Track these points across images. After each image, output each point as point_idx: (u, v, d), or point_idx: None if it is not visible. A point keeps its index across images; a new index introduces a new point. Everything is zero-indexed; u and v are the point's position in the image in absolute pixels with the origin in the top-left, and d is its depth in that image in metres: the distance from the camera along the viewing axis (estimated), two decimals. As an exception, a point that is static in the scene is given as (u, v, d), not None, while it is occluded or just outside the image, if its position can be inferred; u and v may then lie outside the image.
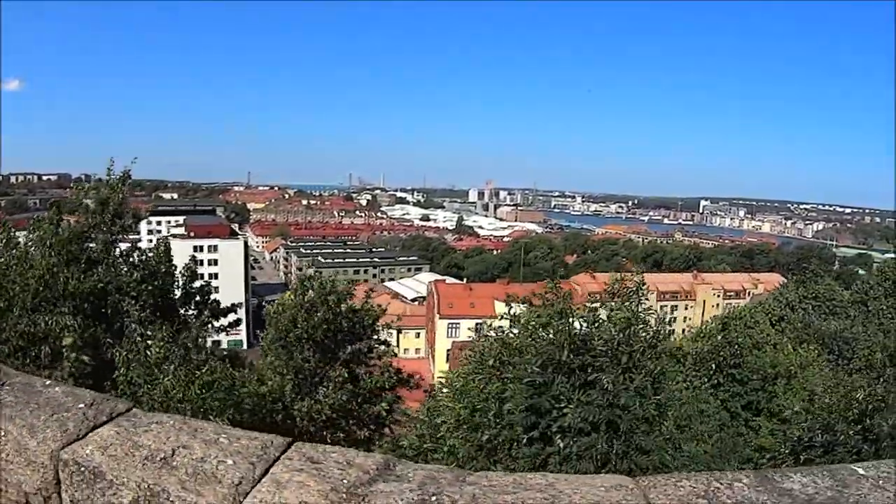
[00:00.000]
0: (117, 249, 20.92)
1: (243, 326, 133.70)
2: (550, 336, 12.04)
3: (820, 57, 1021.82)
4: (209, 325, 24.24)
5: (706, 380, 31.59)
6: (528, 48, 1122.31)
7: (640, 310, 12.91)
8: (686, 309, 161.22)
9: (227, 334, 28.85)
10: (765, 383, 31.98)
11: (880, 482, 3.77)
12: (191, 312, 23.75)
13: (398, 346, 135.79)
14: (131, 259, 21.49)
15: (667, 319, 12.99)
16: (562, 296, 13.14)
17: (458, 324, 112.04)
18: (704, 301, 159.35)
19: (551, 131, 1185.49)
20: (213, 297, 26.03)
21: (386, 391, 23.28)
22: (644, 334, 12.07)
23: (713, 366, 31.78)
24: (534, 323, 13.00)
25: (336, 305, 23.67)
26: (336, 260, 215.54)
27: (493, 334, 14.27)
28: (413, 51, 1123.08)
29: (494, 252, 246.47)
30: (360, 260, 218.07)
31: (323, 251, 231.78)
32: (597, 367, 11.26)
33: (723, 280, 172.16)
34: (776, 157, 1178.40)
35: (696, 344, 34.87)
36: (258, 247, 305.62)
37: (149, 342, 17.59)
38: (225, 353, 26.90)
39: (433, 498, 3.35)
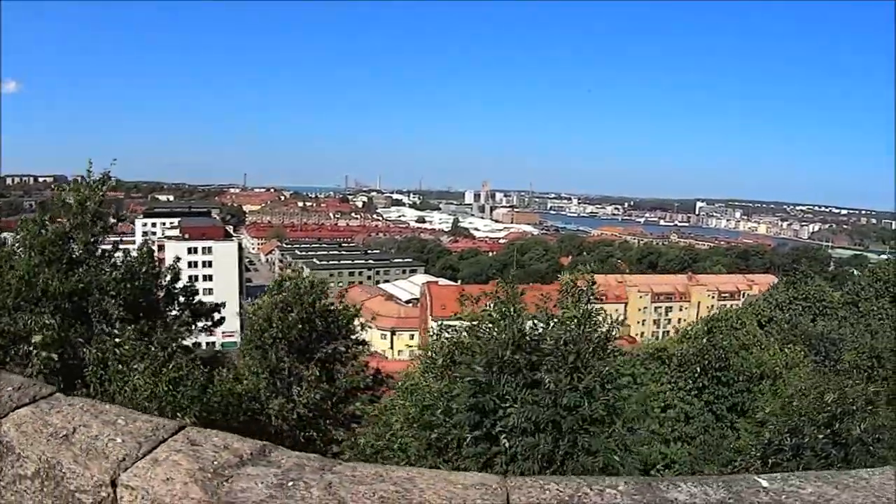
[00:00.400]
0: (99, 250, 21.15)
1: (238, 328, 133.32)
2: (496, 335, 11.89)
3: (817, 57, 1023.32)
4: (191, 324, 24.38)
5: (691, 382, 31.45)
6: (525, 49, 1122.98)
7: (590, 310, 12.59)
8: (681, 310, 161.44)
9: (223, 335, 29.20)
10: (750, 385, 31.86)
11: (782, 497, 3.56)
12: (174, 312, 23.94)
13: (392, 347, 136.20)
14: (113, 259, 21.65)
15: (617, 320, 12.84)
16: (510, 295, 12.99)
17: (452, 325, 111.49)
18: (699, 302, 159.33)
19: (548, 133, 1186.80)
20: (198, 297, 26.33)
21: (362, 391, 23.22)
22: (594, 335, 11.81)
23: (698, 369, 31.66)
24: (478, 322, 12.93)
25: (310, 306, 23.70)
26: (331, 262, 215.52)
27: (447, 334, 14.14)
28: (410, 52, 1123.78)
29: (490, 254, 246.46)
30: (355, 262, 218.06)
31: (318, 253, 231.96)
32: (542, 367, 11.14)
33: (717, 281, 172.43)
34: (772, 158, 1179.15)
35: (681, 346, 34.78)
36: (254, 248, 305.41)
37: (117, 340, 17.96)
38: (215, 353, 27.17)
39: (291, 483, 3.50)
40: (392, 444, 13.87)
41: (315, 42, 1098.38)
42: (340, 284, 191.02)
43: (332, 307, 24.67)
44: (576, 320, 11.84)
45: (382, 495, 3.40)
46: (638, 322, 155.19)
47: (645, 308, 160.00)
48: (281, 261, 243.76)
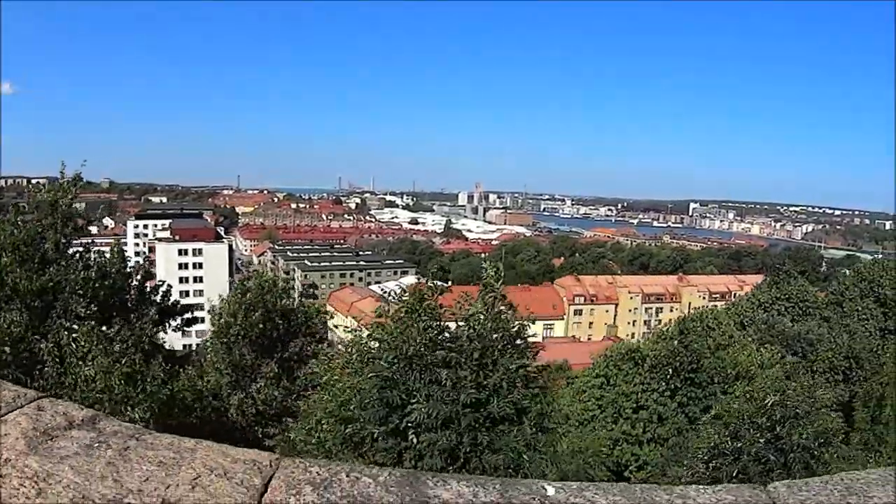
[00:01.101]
0: (70, 249, 21.22)
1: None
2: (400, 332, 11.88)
3: (812, 58, 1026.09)
4: (161, 323, 24.63)
5: (664, 383, 31.17)
6: (519, 50, 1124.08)
7: (498, 306, 12.74)
8: (671, 311, 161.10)
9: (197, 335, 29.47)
10: (725, 386, 31.58)
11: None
12: (148, 311, 23.82)
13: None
14: (84, 259, 21.69)
15: (528, 318, 12.80)
16: (418, 294, 12.88)
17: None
18: (690, 303, 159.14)
19: (542, 134, 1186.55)
20: (172, 296, 26.57)
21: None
22: (503, 332, 11.91)
23: (670, 370, 31.38)
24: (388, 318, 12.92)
25: (273, 304, 23.77)
26: (322, 263, 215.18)
27: (365, 330, 14.04)
28: (405, 54, 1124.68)
29: (482, 255, 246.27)
30: (347, 263, 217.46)
31: (310, 254, 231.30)
32: (447, 364, 11.10)
33: (708, 282, 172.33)
34: (766, 159, 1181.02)
35: (655, 347, 34.50)
36: (247, 250, 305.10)
37: (74, 335, 17.96)
38: (191, 352, 27.53)
39: (97, 444, 3.88)
40: (311, 438, 13.83)
41: (310, 44, 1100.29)
42: (332, 286, 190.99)
43: (292, 307, 24.79)
44: (482, 317, 11.94)
45: (161, 460, 3.74)
46: (628, 323, 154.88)
47: (635, 309, 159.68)
48: (273, 262, 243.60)
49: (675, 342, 32.77)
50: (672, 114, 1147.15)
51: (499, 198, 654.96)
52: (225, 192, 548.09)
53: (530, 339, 13.19)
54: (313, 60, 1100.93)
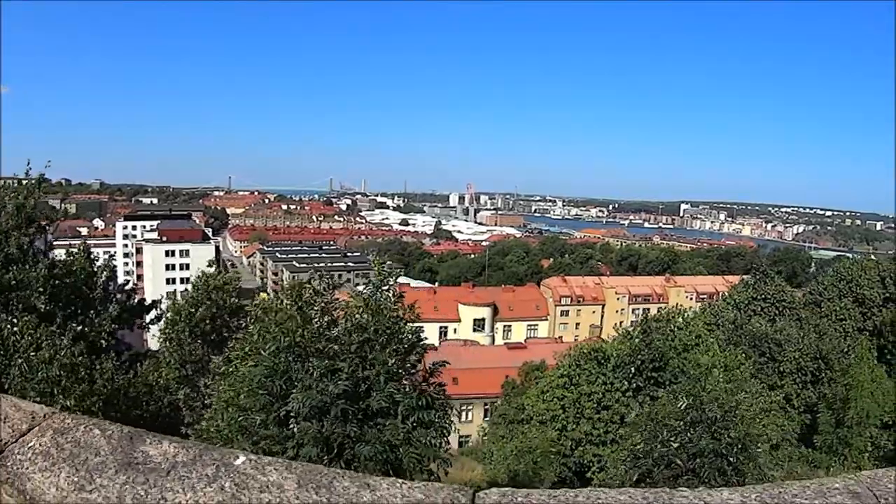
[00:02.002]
0: (33, 249, 22.95)
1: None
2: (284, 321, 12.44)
3: (805, 59, 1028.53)
4: (122, 319, 26.14)
5: (626, 383, 30.86)
6: (510, 52, 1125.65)
7: (379, 298, 12.90)
8: (658, 312, 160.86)
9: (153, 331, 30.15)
10: (692, 386, 31.27)
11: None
12: (108, 308, 25.57)
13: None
14: (50, 259, 23.60)
15: (412, 308, 13.09)
16: (296, 289, 13.06)
17: (422, 327, 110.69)
18: (677, 304, 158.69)
19: (533, 136, 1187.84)
20: (137, 295, 28.87)
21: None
22: (384, 325, 11.87)
23: (632, 369, 31.07)
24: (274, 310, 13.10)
25: (223, 302, 23.87)
26: (310, 265, 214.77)
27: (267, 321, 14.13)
28: (396, 56, 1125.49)
29: (470, 256, 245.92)
30: (334, 264, 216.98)
31: (298, 255, 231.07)
32: (326, 354, 11.29)
33: (696, 283, 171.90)
34: (758, 160, 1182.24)
35: (619, 346, 34.21)
36: (236, 251, 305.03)
37: (14, 329, 18.70)
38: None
39: None
40: (210, 427, 14.34)
41: (303, 46, 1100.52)
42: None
43: (238, 305, 24.99)
44: (364, 307, 12.05)
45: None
46: (615, 323, 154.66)
47: (622, 310, 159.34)
48: (262, 263, 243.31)
49: (637, 340, 32.49)
50: (663, 115, 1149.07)
51: (490, 199, 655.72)
52: (216, 193, 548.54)
53: (423, 339, 13.23)
54: (306, 62, 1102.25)
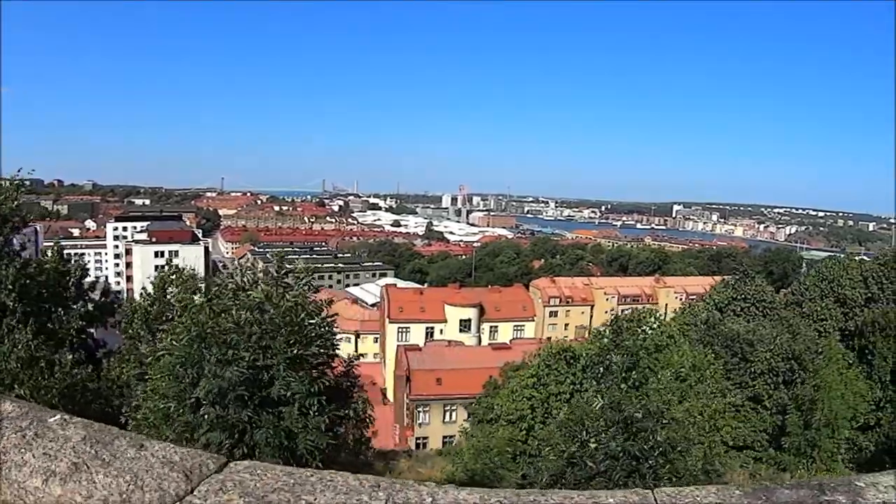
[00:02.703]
0: (6, 249, 23.34)
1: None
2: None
3: (798, 60, 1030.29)
4: (93, 317, 27.61)
5: (595, 383, 30.59)
6: (503, 53, 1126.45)
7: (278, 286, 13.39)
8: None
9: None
10: (660, 386, 31.04)
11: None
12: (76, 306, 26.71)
13: (356, 350, 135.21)
14: (23, 258, 24.12)
15: (327, 301, 13.64)
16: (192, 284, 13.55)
17: (409, 328, 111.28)
18: (666, 304, 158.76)
19: (526, 137, 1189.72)
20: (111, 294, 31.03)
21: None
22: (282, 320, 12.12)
23: (601, 369, 30.78)
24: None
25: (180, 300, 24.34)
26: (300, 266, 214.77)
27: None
28: (389, 58, 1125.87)
29: (462, 257, 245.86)
30: (325, 265, 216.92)
31: (289, 256, 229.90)
32: (229, 344, 11.58)
33: (685, 283, 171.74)
34: (750, 161, 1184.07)
35: (589, 346, 34.02)
36: (228, 252, 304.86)
37: None
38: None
39: None
40: (136, 413, 14.54)
41: (296, 47, 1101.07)
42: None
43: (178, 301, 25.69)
44: (263, 298, 12.33)
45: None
46: (604, 324, 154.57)
47: (611, 310, 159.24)
48: (252, 265, 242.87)
49: (606, 340, 32.27)
50: (657, 116, 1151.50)
51: (483, 200, 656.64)
52: (208, 194, 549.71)
53: (330, 330, 13.45)
54: (301, 64, 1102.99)
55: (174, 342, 12.20)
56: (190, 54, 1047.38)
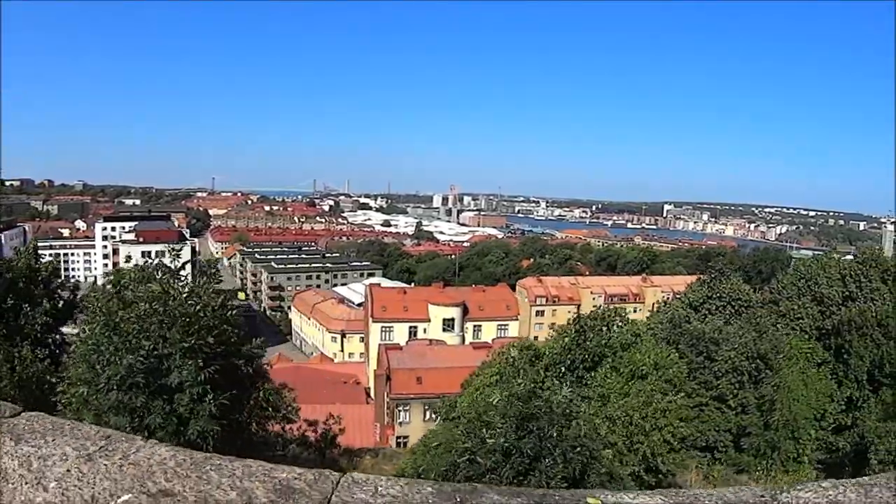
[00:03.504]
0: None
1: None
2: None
3: (789, 59, 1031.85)
4: (58, 315, 28.12)
5: (556, 381, 30.40)
6: (495, 53, 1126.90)
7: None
8: (635, 311, 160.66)
9: None
10: (624, 384, 30.87)
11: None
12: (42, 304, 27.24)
13: (342, 350, 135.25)
14: None
15: (234, 291, 14.60)
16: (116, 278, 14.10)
17: (392, 327, 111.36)
18: (653, 303, 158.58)
19: (518, 137, 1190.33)
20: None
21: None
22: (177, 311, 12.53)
23: (563, 368, 30.64)
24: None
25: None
26: (289, 265, 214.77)
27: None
28: (379, 57, 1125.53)
29: (451, 257, 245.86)
30: (313, 265, 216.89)
31: (277, 256, 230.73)
32: (128, 332, 12.15)
33: (672, 282, 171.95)
34: (742, 161, 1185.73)
35: (554, 345, 33.84)
36: (218, 252, 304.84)
37: None
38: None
39: None
40: (62, 399, 14.71)
41: (288, 47, 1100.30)
42: (298, 287, 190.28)
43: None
44: (161, 291, 12.86)
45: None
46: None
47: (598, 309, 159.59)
48: (241, 264, 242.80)
49: (567, 339, 32.11)
50: (648, 116, 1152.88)
51: (473, 200, 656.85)
52: (199, 194, 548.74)
53: (231, 323, 13.85)
54: (293, 64, 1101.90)
55: (87, 330, 12.82)
56: (181, 54, 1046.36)
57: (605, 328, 33.70)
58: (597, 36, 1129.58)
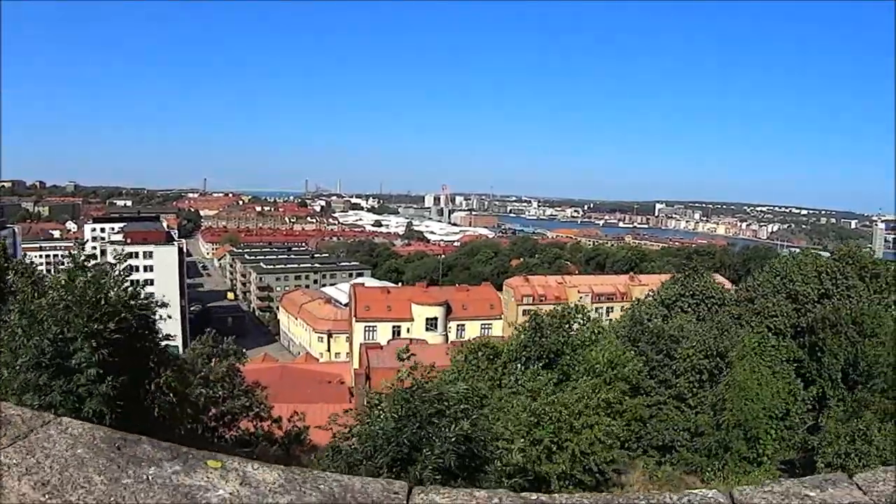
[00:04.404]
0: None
1: (179, 331, 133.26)
2: None
3: (782, 59, 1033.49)
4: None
5: (512, 379, 30.38)
6: (487, 53, 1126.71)
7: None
8: (622, 310, 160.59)
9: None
10: (576, 383, 30.82)
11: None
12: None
13: (329, 350, 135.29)
14: None
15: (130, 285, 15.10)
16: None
17: (375, 327, 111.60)
18: (637, 299, 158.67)
19: (510, 137, 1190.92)
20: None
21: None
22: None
23: (518, 365, 30.60)
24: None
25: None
26: (277, 266, 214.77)
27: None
28: (372, 57, 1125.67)
29: (441, 256, 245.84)
30: (302, 265, 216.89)
31: (267, 257, 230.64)
32: (34, 316, 12.71)
33: (659, 281, 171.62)
34: (735, 160, 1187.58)
35: (511, 342, 33.85)
36: (208, 253, 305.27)
37: None
38: None
39: None
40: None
41: (280, 47, 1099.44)
42: (287, 287, 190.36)
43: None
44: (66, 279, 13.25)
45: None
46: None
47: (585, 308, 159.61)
48: (231, 265, 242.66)
49: (523, 336, 32.13)
50: (640, 116, 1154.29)
51: (465, 200, 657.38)
52: (191, 195, 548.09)
53: (131, 310, 13.92)
54: (284, 64, 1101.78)
55: (11, 315, 13.17)
56: (174, 55, 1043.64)
57: (564, 326, 33.73)
58: (589, 35, 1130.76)
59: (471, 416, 12.99)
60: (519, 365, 30.25)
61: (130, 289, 13.83)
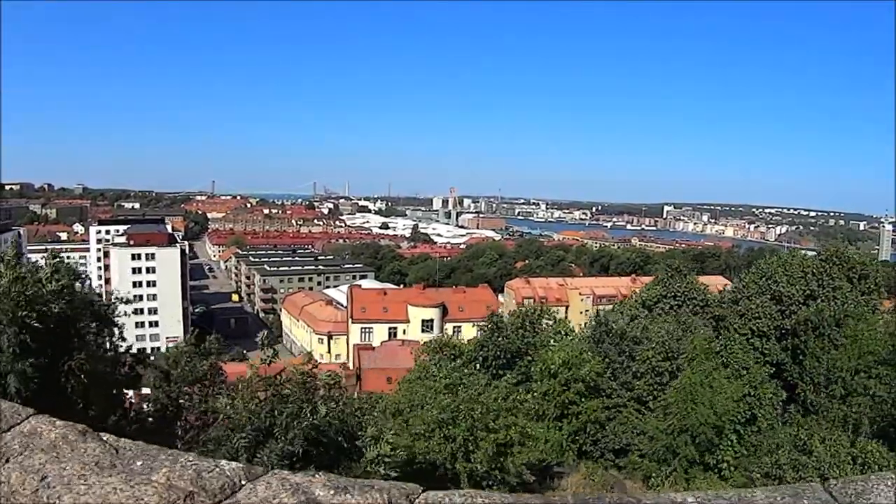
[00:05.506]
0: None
1: (181, 332, 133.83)
2: None
3: (788, 62, 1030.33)
4: None
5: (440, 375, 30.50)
6: (495, 55, 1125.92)
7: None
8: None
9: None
10: (535, 384, 30.96)
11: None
12: None
13: (329, 351, 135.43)
14: None
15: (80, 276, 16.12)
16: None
17: (372, 328, 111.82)
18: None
19: (519, 140, 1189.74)
20: None
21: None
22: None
23: (477, 365, 30.77)
24: None
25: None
26: (282, 268, 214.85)
27: None
28: (379, 60, 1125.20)
29: (447, 259, 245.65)
30: (305, 268, 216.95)
31: (271, 259, 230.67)
32: None
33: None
34: (743, 162, 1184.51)
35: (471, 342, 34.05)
36: (214, 256, 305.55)
37: None
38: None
39: None
40: None
41: (287, 51, 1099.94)
42: (290, 289, 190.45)
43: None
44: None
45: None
46: (579, 324, 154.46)
47: (586, 311, 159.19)
48: (236, 267, 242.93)
49: (481, 336, 32.31)
50: (649, 118, 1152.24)
51: (473, 202, 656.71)
52: (199, 197, 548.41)
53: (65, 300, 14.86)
54: (293, 67, 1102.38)
55: None
56: (183, 58, 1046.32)
57: (527, 326, 33.84)
58: (598, 38, 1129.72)
59: (329, 404, 13.04)
60: (477, 365, 30.46)
61: (57, 285, 14.62)
